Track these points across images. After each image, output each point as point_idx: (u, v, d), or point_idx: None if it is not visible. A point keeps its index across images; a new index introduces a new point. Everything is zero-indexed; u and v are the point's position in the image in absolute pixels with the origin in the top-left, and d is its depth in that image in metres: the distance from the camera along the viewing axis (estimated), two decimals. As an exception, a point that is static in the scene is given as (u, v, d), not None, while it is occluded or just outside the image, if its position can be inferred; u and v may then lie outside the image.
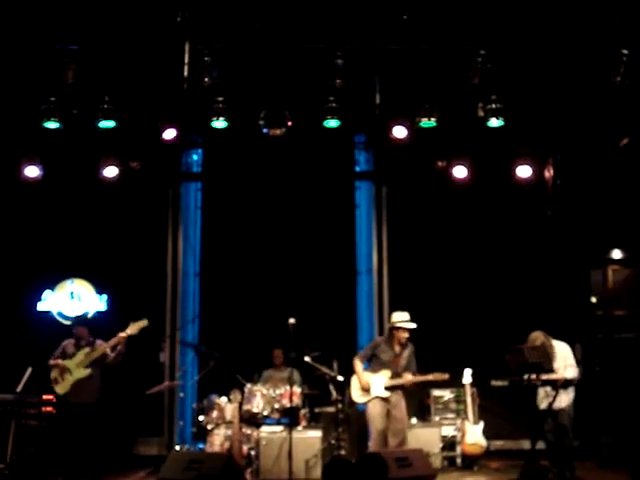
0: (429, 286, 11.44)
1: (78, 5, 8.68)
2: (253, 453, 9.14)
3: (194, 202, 12.09)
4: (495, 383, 9.97)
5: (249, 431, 9.23)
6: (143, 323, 8.97)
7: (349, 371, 9.22)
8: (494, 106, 9.54)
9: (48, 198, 11.27)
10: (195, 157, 12.08)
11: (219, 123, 9.70)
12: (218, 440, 9.07)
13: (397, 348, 9.00)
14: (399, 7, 8.45)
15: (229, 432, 9.04)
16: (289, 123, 9.80)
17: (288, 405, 9.13)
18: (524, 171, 10.93)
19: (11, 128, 10.32)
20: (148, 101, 10.00)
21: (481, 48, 9.03)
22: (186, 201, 12.03)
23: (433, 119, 9.69)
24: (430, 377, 8.99)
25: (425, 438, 9.72)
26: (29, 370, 9.41)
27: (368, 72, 9.68)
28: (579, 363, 8.68)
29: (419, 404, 10.72)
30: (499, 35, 9.02)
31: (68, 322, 11.16)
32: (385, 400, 8.84)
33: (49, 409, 9.27)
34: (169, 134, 10.02)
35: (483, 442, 10.03)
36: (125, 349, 8.94)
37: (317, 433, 9.30)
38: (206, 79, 9.15)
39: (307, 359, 9.76)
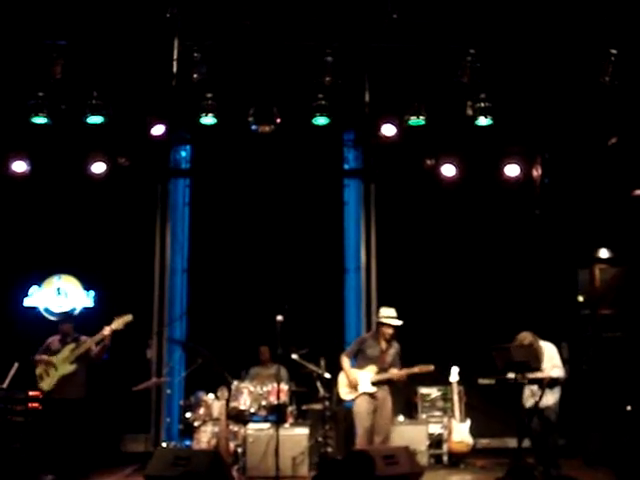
0: (417, 284, 11.46)
1: (67, 0, 8.64)
2: (240, 450, 9.14)
3: (182, 198, 12.06)
4: (482, 381, 9.97)
5: (236, 428, 9.22)
6: (127, 318, 8.95)
7: (337, 368, 9.23)
8: (483, 105, 9.56)
9: (35, 194, 11.21)
10: (184, 153, 12.05)
11: (208, 119, 9.69)
12: (205, 437, 9.06)
13: (383, 344, 9.03)
14: (389, 5, 8.46)
15: (216, 429, 9.04)
16: (278, 120, 9.80)
17: (275, 402, 9.12)
18: (512, 170, 10.97)
19: (-1, 123, 10.28)
20: (137, 97, 9.96)
21: (470, 47, 9.05)
22: (174, 197, 12.00)
23: (422, 117, 9.72)
24: (416, 369, 9.03)
25: (412, 436, 9.74)
26: (15, 366, 9.36)
27: (357, 70, 9.68)
28: (566, 362, 8.72)
29: (406, 402, 10.75)
30: (488, 34, 9.04)
31: (55, 318, 11.13)
32: (372, 396, 8.86)
33: (35, 405, 9.22)
34: (158, 130, 10.00)
35: (469, 440, 10.06)
36: (110, 343, 8.92)
37: (304, 430, 9.31)
38: (195, 75, 9.13)
39: (294, 356, 9.75)
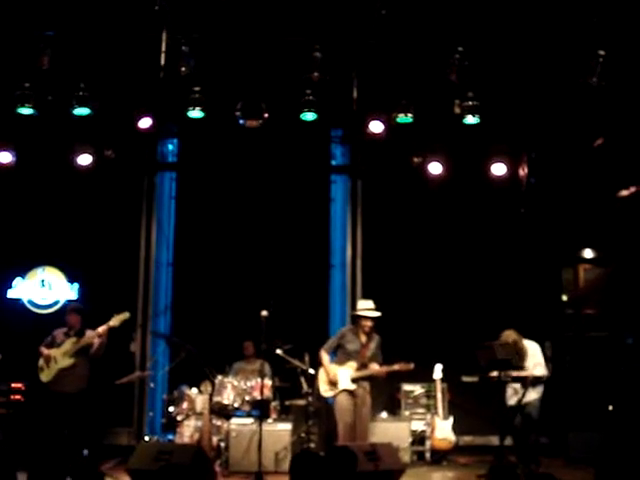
0: (402, 281, 11.48)
1: (55, -10, 8.62)
2: (223, 445, 9.14)
3: (168, 192, 12.03)
4: (465, 379, 10.04)
5: (219, 423, 9.23)
6: (125, 315, 8.99)
7: (320, 364, 9.23)
8: (470, 103, 9.60)
9: (20, 185, 11.15)
10: (170, 147, 12.01)
11: (195, 113, 9.66)
12: (188, 431, 9.06)
13: (363, 338, 8.99)
14: (378, 2, 8.46)
15: (199, 423, 9.04)
16: (266, 115, 9.79)
17: (259, 397, 9.12)
18: (499, 169, 10.99)
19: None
20: (124, 89, 9.92)
21: (459, 45, 9.06)
22: (160, 191, 11.97)
23: (410, 115, 9.74)
24: (396, 367, 9.01)
25: (395, 432, 9.76)
26: (-1, 357, 9.34)
27: (346, 66, 9.68)
28: (549, 361, 8.77)
29: (389, 398, 10.77)
30: (477, 33, 9.06)
31: (38, 310, 11.10)
32: (352, 393, 8.84)
33: (17, 397, 9.21)
34: (144, 123, 9.96)
35: (452, 437, 10.09)
36: (107, 341, 8.95)
37: (287, 426, 9.32)
38: (183, 68, 9.10)
39: (279, 352, 9.75)
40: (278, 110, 9.93)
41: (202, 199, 11.75)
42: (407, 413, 10.53)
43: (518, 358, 8.23)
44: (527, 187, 11.47)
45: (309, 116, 9.73)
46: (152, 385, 10.55)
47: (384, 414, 10.28)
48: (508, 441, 8.50)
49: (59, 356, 8.94)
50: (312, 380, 9.60)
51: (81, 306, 9.57)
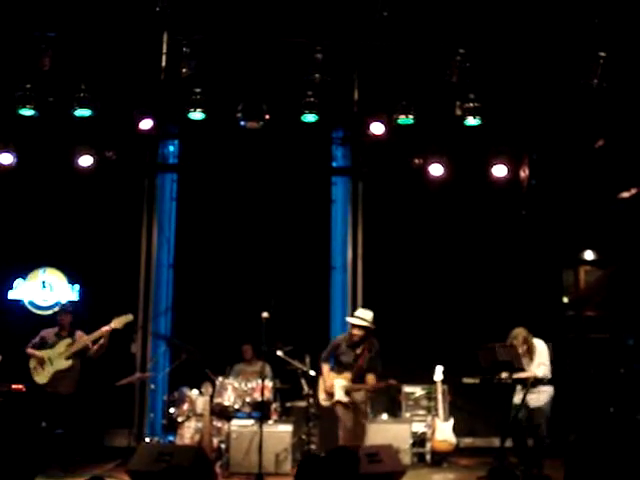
0: (403, 283, 11.47)
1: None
2: (223, 446, 9.13)
3: (169, 193, 12.02)
4: (466, 381, 10.02)
5: (219, 424, 9.22)
6: (127, 318, 9.05)
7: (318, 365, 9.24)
8: (472, 105, 9.60)
9: (21, 186, 11.14)
10: (171, 148, 12.00)
11: (196, 114, 9.67)
12: (188, 433, 9.05)
13: (357, 348, 8.88)
14: (379, 4, 8.47)
15: (199, 425, 9.03)
16: (267, 116, 9.78)
17: (259, 399, 9.11)
18: (500, 170, 10.97)
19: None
20: (125, 90, 9.93)
21: (460, 47, 9.06)
22: (161, 192, 11.96)
23: (411, 116, 9.74)
24: (392, 382, 9.09)
25: (395, 434, 9.74)
26: (-1, 358, 9.34)
27: (347, 68, 9.70)
28: (550, 363, 8.73)
29: (390, 400, 10.76)
30: (478, 34, 9.07)
31: (39, 311, 11.09)
32: (346, 405, 8.81)
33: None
34: (145, 124, 9.96)
35: (453, 439, 10.08)
36: (108, 342, 8.97)
37: (288, 427, 9.31)
38: (184, 70, 9.11)
39: (279, 353, 9.75)
40: (279, 111, 9.93)
41: (203, 200, 11.75)
42: (408, 415, 10.52)
43: (518, 359, 8.21)
44: (528, 189, 11.46)
45: (310, 117, 9.73)
46: (153, 386, 10.54)
47: (385, 416, 10.27)
48: (509, 443, 8.49)
49: (54, 358, 8.94)
50: (313, 382, 9.59)
51: (72, 306, 9.61)
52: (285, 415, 9.85)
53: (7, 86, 9.45)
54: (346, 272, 11.80)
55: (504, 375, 8.23)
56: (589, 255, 11.96)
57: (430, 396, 10.52)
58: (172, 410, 9.37)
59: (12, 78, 9.38)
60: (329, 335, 11.51)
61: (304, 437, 9.47)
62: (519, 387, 8.41)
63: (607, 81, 8.88)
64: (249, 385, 9.37)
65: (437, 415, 10.20)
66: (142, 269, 11.68)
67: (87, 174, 10.78)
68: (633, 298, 11.35)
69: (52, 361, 8.94)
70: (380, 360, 8.97)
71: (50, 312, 10.92)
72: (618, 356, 10.80)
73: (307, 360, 9.71)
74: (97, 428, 10.88)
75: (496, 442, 8.56)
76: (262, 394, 9.05)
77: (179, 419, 9.18)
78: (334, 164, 12.09)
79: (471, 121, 9.66)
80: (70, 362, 8.96)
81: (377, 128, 10.06)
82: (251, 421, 9.25)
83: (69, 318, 9.26)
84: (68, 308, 9.58)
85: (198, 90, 9.57)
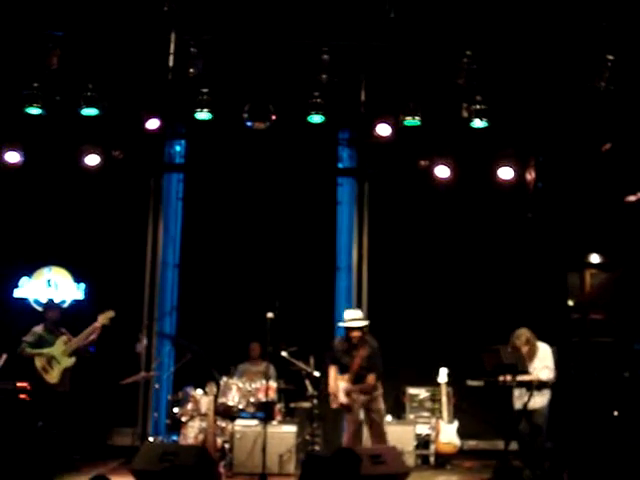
0: (408, 284, 11.47)
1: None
2: (227, 446, 9.14)
3: (175, 193, 12.04)
4: (471, 383, 10.00)
5: (224, 424, 9.22)
6: (110, 314, 9.06)
7: (326, 367, 9.22)
8: (478, 107, 9.57)
9: (28, 184, 11.18)
10: (178, 148, 12.02)
11: (203, 115, 9.67)
12: (192, 432, 9.05)
13: (353, 349, 8.73)
14: (387, 5, 8.46)
15: (203, 425, 9.03)
16: (273, 117, 9.79)
17: (263, 399, 9.13)
18: (506, 173, 10.96)
19: (-8, 113, 10.24)
20: (132, 90, 9.93)
21: (467, 49, 9.05)
22: (167, 192, 11.98)
23: (417, 118, 9.72)
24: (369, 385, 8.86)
25: (399, 436, 9.73)
26: (4, 357, 9.34)
27: (354, 69, 9.67)
28: (555, 366, 8.72)
29: (394, 402, 10.75)
30: (485, 36, 9.05)
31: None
32: (347, 407, 8.73)
33: (24, 397, 9.22)
34: (152, 124, 9.97)
35: (457, 441, 10.07)
36: (97, 338, 9.02)
37: (292, 428, 9.31)
38: (191, 70, 9.11)
39: (284, 354, 9.75)
40: (286, 112, 9.93)
41: (209, 200, 11.76)
42: (412, 417, 10.52)
43: (522, 362, 8.20)
44: (534, 191, 11.45)
45: (316, 118, 9.73)
46: (157, 386, 10.56)
47: (389, 417, 10.25)
48: (513, 445, 8.48)
49: (59, 356, 8.97)
50: (317, 382, 9.59)
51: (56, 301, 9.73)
52: (289, 416, 9.86)
53: (14, 85, 9.46)
54: (351, 273, 11.80)
55: (509, 378, 8.21)
56: (595, 258, 11.91)
57: (434, 398, 10.52)
58: (176, 410, 9.38)
59: (19, 77, 9.39)
60: (334, 336, 11.51)
61: (308, 438, 9.48)
62: (522, 390, 8.40)
63: (614, 84, 8.86)
64: (253, 385, 9.37)
65: (441, 417, 10.20)
66: (147, 268, 11.70)
67: (94, 173, 10.80)
68: (638, 302, 11.31)
69: (59, 360, 8.97)
70: (380, 359, 8.81)
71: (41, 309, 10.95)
72: (623, 360, 10.76)
73: (311, 361, 9.72)
74: (101, 427, 10.90)
75: (500, 445, 8.55)
76: (266, 394, 9.06)
77: (183, 419, 9.19)
78: (340, 165, 12.09)
79: (478, 123, 9.65)
80: (74, 359, 9.01)
81: (383, 129, 10.06)
82: (255, 421, 9.25)
83: (57, 314, 9.28)
84: (56, 304, 9.61)
85: (205, 90, 9.57)
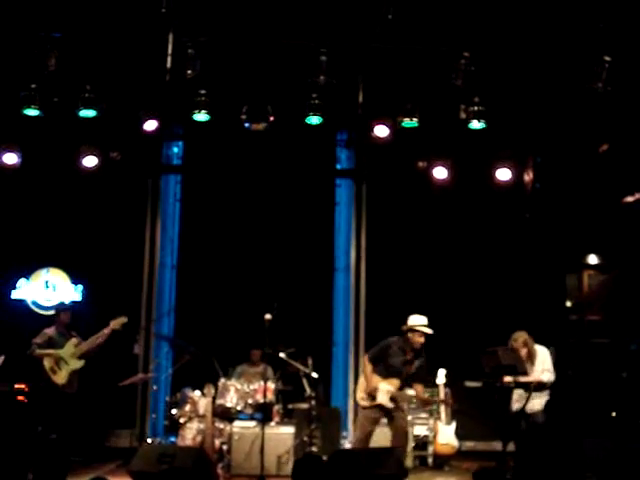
0: (406, 285, 11.47)
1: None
2: (225, 448, 9.13)
3: (173, 194, 12.05)
4: (469, 384, 10.02)
5: (222, 426, 9.21)
6: (123, 319, 9.15)
7: (324, 368, 9.22)
8: (476, 108, 9.58)
9: (26, 186, 11.17)
10: (175, 149, 12.04)
11: (201, 116, 9.66)
12: (190, 434, 9.05)
13: (409, 354, 8.60)
14: (384, 6, 8.46)
15: (201, 426, 9.02)
16: (271, 118, 9.78)
17: (261, 401, 9.12)
18: (504, 174, 10.97)
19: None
20: (130, 91, 9.93)
21: (465, 50, 9.05)
22: (165, 193, 11.99)
23: (415, 119, 9.72)
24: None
25: (397, 437, 9.73)
26: (2, 358, 9.33)
27: (352, 70, 9.68)
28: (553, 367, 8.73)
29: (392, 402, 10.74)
30: (483, 38, 9.06)
31: (43, 311, 11.10)
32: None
33: (21, 398, 9.22)
34: (150, 125, 9.96)
35: (455, 442, 10.07)
36: (104, 342, 9.15)
37: (290, 429, 9.30)
38: (189, 71, 9.09)
39: (282, 355, 9.75)
40: (283, 113, 9.92)
41: (207, 202, 11.77)
42: (410, 418, 10.48)
43: (521, 363, 8.20)
44: (532, 192, 11.47)
45: (314, 120, 9.72)
46: (155, 387, 10.55)
47: (384, 419, 10.25)
48: (511, 446, 8.47)
49: (68, 358, 9.01)
50: (315, 384, 9.59)
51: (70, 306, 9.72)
52: (287, 417, 9.84)
53: (12, 86, 9.45)
54: (349, 274, 11.81)
55: (507, 379, 8.21)
56: (593, 259, 11.94)
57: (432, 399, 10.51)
58: (174, 411, 9.38)
59: (17, 78, 9.38)
60: (332, 337, 11.54)
61: (306, 439, 9.47)
62: (520, 392, 8.39)
63: (612, 85, 8.87)
64: (251, 387, 9.36)
65: (439, 418, 10.19)
66: (145, 270, 11.70)
67: (91, 174, 10.79)
68: (636, 303, 11.33)
69: (67, 362, 9.01)
70: (426, 372, 8.75)
71: (53, 312, 10.94)
72: (620, 361, 10.78)
73: (309, 362, 9.71)
74: (99, 428, 10.90)
75: (498, 446, 8.52)
76: (264, 396, 9.06)
77: (181, 420, 9.18)
78: (338, 166, 12.12)
79: (475, 124, 9.65)
80: (83, 362, 9.11)
81: (381, 131, 10.06)
82: (253, 423, 9.25)
83: (69, 317, 9.31)
84: (68, 307, 9.62)
85: (203, 91, 9.56)
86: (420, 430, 10.26)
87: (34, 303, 11.24)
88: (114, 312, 9.48)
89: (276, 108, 9.80)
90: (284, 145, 11.19)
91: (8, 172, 10.63)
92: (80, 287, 11.36)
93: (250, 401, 9.29)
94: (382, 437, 9.42)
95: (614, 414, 9.95)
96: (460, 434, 10.21)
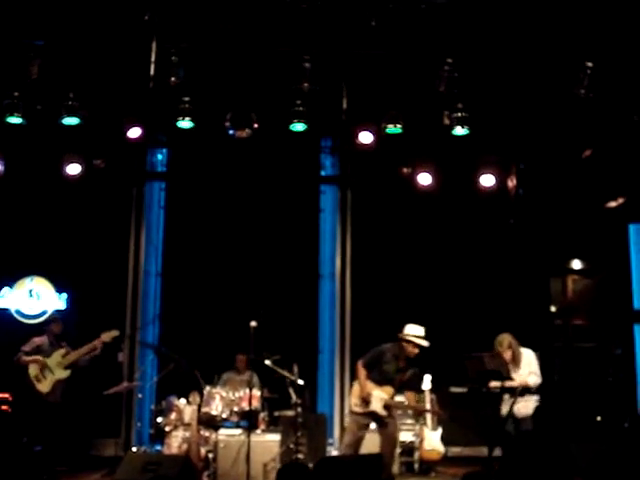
0: (391, 291, 11.49)
1: (46, 0, 8.59)
2: (211, 456, 9.08)
3: (157, 202, 12.02)
4: (454, 390, 10.03)
5: (207, 434, 9.17)
6: (114, 333, 9.18)
7: (309, 375, 9.21)
8: (460, 114, 9.61)
9: (9, 194, 11.10)
10: (160, 157, 12.02)
11: (185, 123, 9.65)
12: (176, 442, 9.00)
13: (402, 362, 8.62)
14: (367, 13, 8.48)
15: (187, 434, 8.99)
16: (255, 125, 9.79)
17: (247, 408, 9.09)
18: (487, 180, 11.02)
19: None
20: (113, 99, 9.90)
21: (448, 56, 9.08)
22: (149, 201, 11.96)
23: (399, 125, 9.75)
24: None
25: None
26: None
27: (335, 77, 9.69)
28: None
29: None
30: (466, 44, 9.09)
31: (27, 320, 11.03)
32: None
33: (4, 408, 9.17)
34: (134, 133, 9.94)
35: (441, 448, 10.08)
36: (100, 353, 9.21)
37: (275, 437, 9.27)
38: (172, 78, 9.08)
39: (267, 362, 9.72)
40: (268, 120, 9.93)
41: (191, 209, 11.75)
42: (396, 424, 10.51)
43: (505, 368, 8.21)
44: (516, 198, 11.52)
45: (299, 127, 9.74)
46: (140, 395, 10.50)
47: (373, 425, 10.24)
48: (498, 452, 8.49)
49: (54, 367, 8.96)
50: (301, 391, 9.57)
51: (61, 316, 9.67)
52: (273, 424, 9.82)
53: (-5, 94, 9.42)
54: (334, 280, 11.82)
55: (493, 384, 8.22)
56: (576, 264, 12.00)
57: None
58: (159, 419, 9.34)
59: (0, 86, 9.34)
60: (317, 344, 11.53)
61: (292, 446, 9.44)
62: (506, 396, 8.41)
63: (594, 91, 8.92)
64: (237, 394, 9.33)
65: (425, 424, 10.19)
66: (130, 277, 11.67)
67: (75, 182, 10.76)
68: (620, 307, 11.39)
69: (53, 370, 8.96)
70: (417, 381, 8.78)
71: (37, 321, 10.88)
72: (605, 365, 10.83)
73: (295, 369, 9.69)
74: (84, 437, 10.84)
75: (484, 451, 8.55)
76: (250, 403, 9.03)
77: (166, 428, 9.14)
78: (323, 173, 12.14)
79: (459, 130, 9.68)
80: (69, 372, 9.04)
81: (366, 137, 10.08)
82: (239, 430, 9.22)
83: (60, 327, 9.26)
84: (59, 317, 9.58)
85: (187, 99, 9.55)
86: (406, 436, 10.25)
87: (18, 312, 11.17)
88: (99, 320, 9.46)
89: (260, 115, 9.81)
90: (268, 152, 11.19)
91: (-9, 180, 10.59)
92: (64, 295, 11.30)
93: (236, 409, 9.27)
94: (370, 443, 9.43)
95: (599, 418, 9.98)
96: (446, 440, 10.21)
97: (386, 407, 8.53)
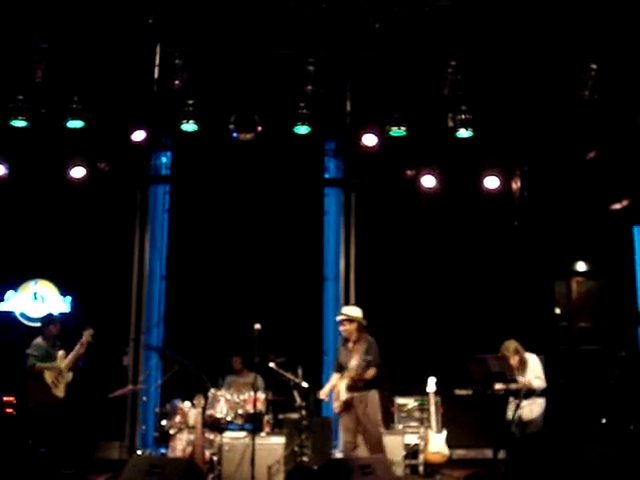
0: (395, 293, 11.49)
1: (50, 3, 8.60)
2: (215, 459, 9.07)
3: (162, 205, 12.02)
4: (459, 392, 10.00)
5: (212, 436, 9.17)
6: (90, 331, 9.21)
7: (314, 377, 9.20)
8: (464, 117, 9.61)
9: (14, 197, 11.13)
10: (164, 160, 12.02)
11: (189, 126, 9.67)
12: (180, 445, 9.00)
13: (349, 345, 8.67)
14: (371, 16, 8.49)
15: (191, 437, 8.99)
16: (259, 128, 9.79)
17: (251, 411, 9.08)
18: (492, 182, 11.01)
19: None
20: (118, 102, 9.92)
21: (452, 59, 9.09)
22: (154, 203, 11.97)
23: (403, 128, 9.75)
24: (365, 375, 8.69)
25: (388, 446, 9.65)
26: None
27: (339, 79, 9.70)
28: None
29: (383, 412, 10.70)
30: (470, 47, 9.09)
31: (31, 323, 11.04)
32: (348, 403, 8.59)
33: (9, 411, 9.18)
34: (138, 136, 9.95)
35: (446, 451, 10.06)
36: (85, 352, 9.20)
37: (280, 439, 9.26)
38: (177, 82, 9.10)
39: (272, 365, 9.72)
40: (272, 123, 9.93)
41: (196, 212, 11.75)
42: (400, 426, 10.50)
43: (510, 371, 8.21)
44: (520, 200, 11.50)
45: (302, 129, 9.74)
46: (145, 398, 10.49)
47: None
48: (502, 454, 8.48)
49: (63, 370, 8.99)
50: (305, 393, 9.57)
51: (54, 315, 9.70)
52: (277, 427, 9.80)
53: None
54: (339, 283, 11.81)
55: (498, 386, 8.21)
56: (581, 266, 11.98)
57: (423, 407, 10.51)
58: (164, 422, 9.32)
59: (4, 89, 9.36)
60: (322, 346, 11.53)
61: (297, 449, 9.42)
62: (512, 399, 8.40)
63: (598, 93, 8.92)
64: (241, 397, 9.32)
65: (430, 427, 10.18)
66: (134, 280, 11.67)
67: (80, 185, 10.77)
68: (625, 309, 11.38)
69: (63, 374, 8.99)
70: (379, 357, 8.61)
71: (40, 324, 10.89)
72: (610, 367, 10.80)
73: (300, 372, 9.68)
74: (89, 440, 10.84)
75: (489, 454, 8.53)
76: (254, 406, 9.02)
77: (171, 431, 9.14)
78: (326, 175, 12.13)
79: (463, 133, 9.69)
80: (72, 374, 9.04)
81: (369, 140, 10.08)
82: (243, 433, 9.20)
83: (58, 329, 9.26)
84: (57, 318, 9.59)
85: (191, 102, 9.57)
86: (411, 439, 10.24)
87: (22, 315, 11.19)
88: (103, 323, 9.45)
89: (264, 118, 9.81)
90: (272, 155, 11.20)
91: (-4, 184, 10.61)
92: (69, 298, 11.32)
93: (240, 411, 9.25)
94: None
95: (604, 421, 9.96)
96: (451, 442, 10.20)
97: (349, 389, 8.51)
